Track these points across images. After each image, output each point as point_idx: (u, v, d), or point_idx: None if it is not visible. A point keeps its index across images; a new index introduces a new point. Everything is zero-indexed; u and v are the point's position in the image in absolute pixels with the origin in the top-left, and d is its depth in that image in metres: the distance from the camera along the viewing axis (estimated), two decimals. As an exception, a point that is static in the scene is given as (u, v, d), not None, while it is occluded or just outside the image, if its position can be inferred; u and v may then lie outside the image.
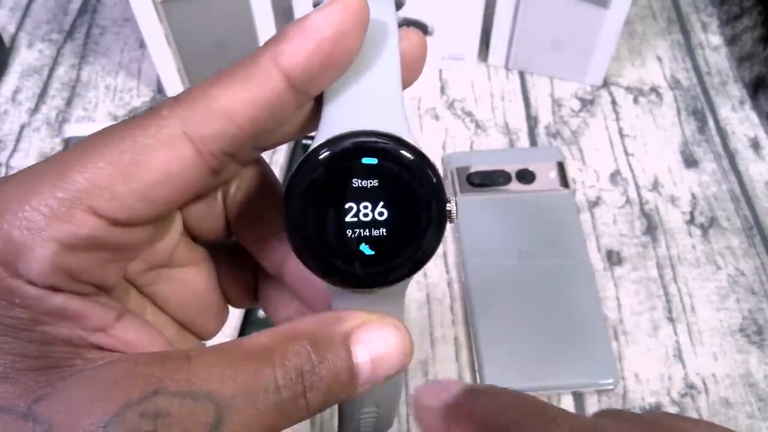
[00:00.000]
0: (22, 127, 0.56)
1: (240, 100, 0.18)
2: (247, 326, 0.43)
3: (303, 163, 0.19)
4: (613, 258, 0.49)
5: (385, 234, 0.19)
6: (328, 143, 0.19)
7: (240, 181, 0.22)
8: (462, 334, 0.46)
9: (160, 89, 0.58)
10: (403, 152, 0.19)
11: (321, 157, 0.19)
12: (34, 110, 0.58)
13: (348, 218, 0.19)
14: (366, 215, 0.19)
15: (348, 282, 0.20)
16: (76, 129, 0.54)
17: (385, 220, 0.19)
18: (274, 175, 0.23)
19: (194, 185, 0.18)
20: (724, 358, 0.45)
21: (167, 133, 0.17)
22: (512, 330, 0.44)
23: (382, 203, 0.19)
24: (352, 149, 0.19)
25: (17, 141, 0.56)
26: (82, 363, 0.17)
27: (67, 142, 0.53)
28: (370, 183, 0.19)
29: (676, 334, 0.46)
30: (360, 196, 0.19)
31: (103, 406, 0.16)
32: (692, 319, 0.46)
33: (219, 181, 0.19)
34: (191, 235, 0.23)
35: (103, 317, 0.18)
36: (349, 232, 0.19)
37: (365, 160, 0.19)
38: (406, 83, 0.20)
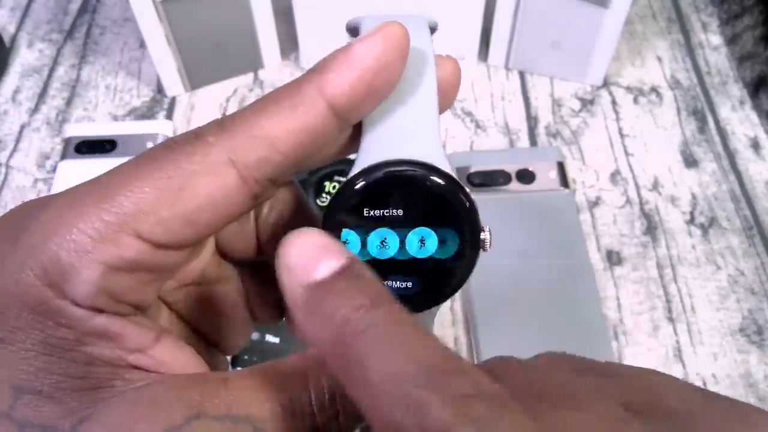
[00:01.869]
0: (22, 127, 0.56)
1: (285, 128, 0.18)
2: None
3: (340, 190, 0.19)
4: (613, 258, 0.49)
5: (413, 261, 0.19)
6: (363, 173, 0.19)
7: (273, 202, 0.23)
8: (462, 334, 0.46)
9: (160, 89, 0.58)
10: (436, 180, 0.19)
11: (357, 186, 0.19)
12: (34, 110, 0.58)
13: (381, 246, 0.19)
14: (399, 243, 0.19)
15: None
16: (76, 129, 0.54)
17: (418, 248, 0.19)
18: (305, 197, 0.24)
19: (236, 210, 0.19)
20: (724, 358, 0.45)
21: (213, 160, 0.18)
22: (512, 330, 0.44)
23: (414, 231, 0.19)
24: (384, 179, 0.19)
25: (17, 141, 0.56)
26: (122, 384, 0.18)
27: (67, 142, 0.53)
28: (404, 211, 0.19)
29: (676, 334, 0.46)
30: (394, 223, 0.19)
31: (146, 429, 0.17)
32: (692, 319, 0.46)
33: (257, 203, 0.20)
34: (222, 253, 0.23)
35: (141, 338, 0.19)
36: (382, 260, 0.19)
37: (399, 189, 0.19)
38: (442, 109, 0.21)
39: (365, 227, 0.19)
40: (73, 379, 0.17)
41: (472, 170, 0.51)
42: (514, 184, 0.50)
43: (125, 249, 0.17)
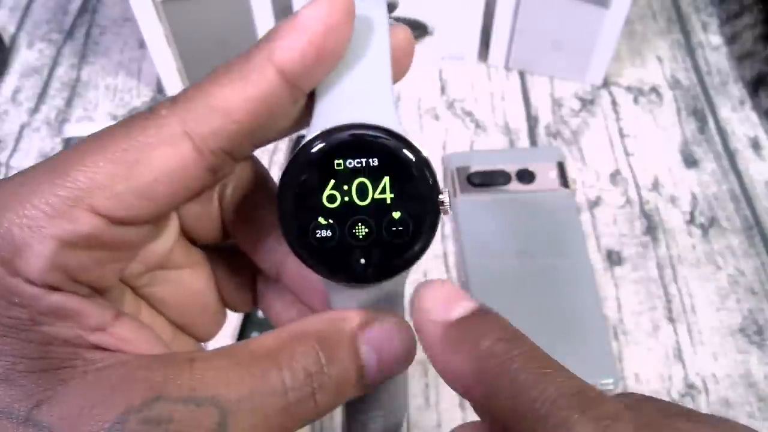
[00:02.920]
0: (22, 127, 0.56)
1: (237, 97, 0.18)
2: (247, 326, 0.43)
3: (294, 157, 0.19)
4: (613, 258, 0.49)
5: (379, 226, 0.19)
6: (319, 137, 0.19)
7: (235, 182, 0.22)
8: (462, 334, 0.46)
9: (160, 89, 0.58)
10: (393, 144, 0.19)
11: (313, 150, 0.19)
12: (34, 110, 0.58)
13: (341, 211, 0.19)
14: (359, 207, 0.19)
15: (346, 277, 0.20)
16: (76, 129, 0.54)
17: (379, 211, 0.19)
18: (269, 176, 0.23)
19: (193, 183, 0.18)
20: (724, 358, 0.45)
21: (167, 131, 0.18)
22: (512, 330, 0.44)
23: (374, 194, 0.19)
24: (343, 141, 0.19)
25: (17, 141, 0.56)
26: (82, 363, 0.17)
27: (67, 142, 0.53)
28: (362, 175, 0.19)
29: (676, 334, 0.46)
30: (352, 189, 0.19)
31: (104, 412, 0.16)
32: (692, 319, 0.46)
33: (215, 179, 0.19)
34: (188, 237, 0.23)
35: (101, 316, 0.18)
36: (343, 226, 0.19)
37: (356, 153, 0.19)
38: (396, 77, 0.20)
39: (322, 194, 0.19)
40: (29, 360, 0.17)
41: (472, 170, 0.51)
42: (514, 184, 0.50)
43: (80, 224, 0.17)
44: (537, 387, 0.14)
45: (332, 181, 0.19)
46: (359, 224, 0.19)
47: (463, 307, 0.16)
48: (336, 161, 0.19)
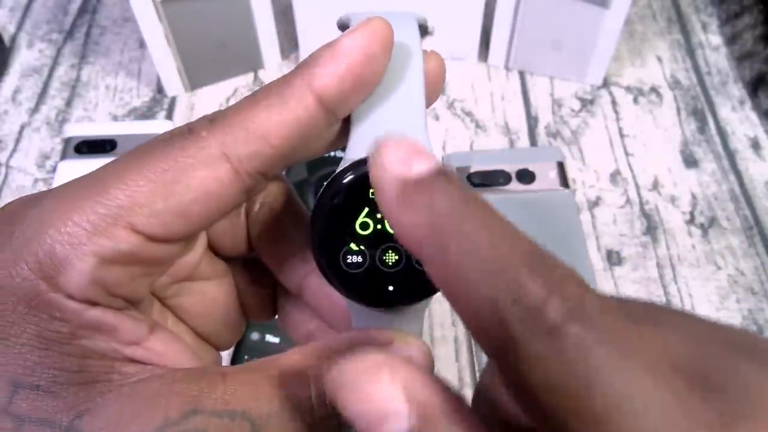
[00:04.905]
0: (22, 127, 0.56)
1: (275, 121, 0.18)
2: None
3: (329, 185, 0.19)
4: (613, 258, 0.49)
5: (408, 254, 0.19)
6: (353, 166, 0.19)
7: (263, 199, 0.23)
8: (462, 334, 0.46)
9: (160, 89, 0.58)
10: None
11: (345, 180, 0.19)
12: (34, 110, 0.58)
13: (372, 239, 0.19)
14: (390, 235, 0.19)
15: (373, 301, 0.20)
16: (76, 129, 0.54)
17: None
18: (295, 194, 0.24)
19: (228, 203, 0.19)
20: (724, 358, 0.45)
21: (206, 153, 0.18)
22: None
23: None
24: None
25: (17, 141, 0.56)
26: (119, 377, 0.18)
27: (67, 142, 0.53)
28: None
29: (676, 334, 0.46)
30: (382, 216, 0.19)
31: (142, 425, 0.17)
32: (692, 319, 0.46)
33: (248, 197, 0.20)
34: (214, 250, 0.23)
35: (136, 330, 0.19)
36: (373, 253, 0.20)
37: None
38: (428, 103, 0.21)
39: (354, 220, 0.19)
40: (69, 373, 0.17)
41: (472, 170, 0.51)
42: (514, 184, 0.50)
43: (119, 241, 0.17)
44: (488, 247, 0.14)
45: (366, 209, 0.19)
46: (389, 252, 0.20)
47: (422, 164, 0.16)
48: (365, 191, 0.19)
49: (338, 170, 0.19)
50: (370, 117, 0.20)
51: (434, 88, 0.21)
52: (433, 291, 0.20)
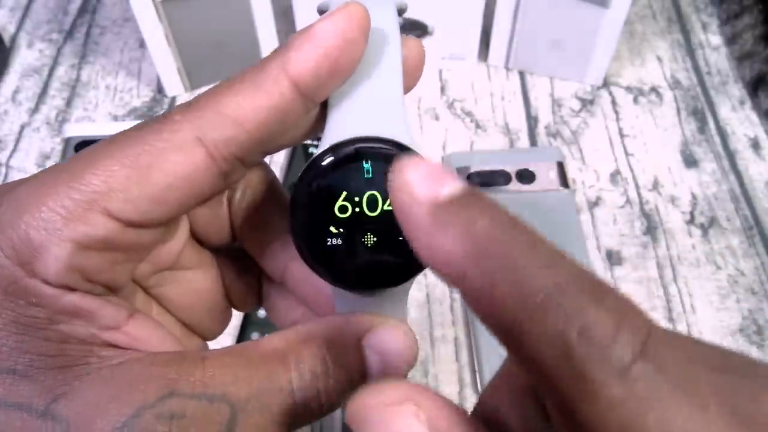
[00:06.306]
0: (22, 127, 0.56)
1: (250, 106, 0.18)
2: (248, 326, 0.43)
3: (307, 169, 0.19)
4: (613, 258, 0.49)
5: (387, 236, 0.19)
6: (331, 149, 0.19)
7: (245, 187, 0.23)
8: (462, 334, 0.46)
9: (160, 89, 0.58)
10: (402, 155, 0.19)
11: (324, 163, 0.19)
12: (34, 110, 0.58)
13: (352, 222, 0.19)
14: (369, 218, 0.19)
15: (353, 284, 0.20)
16: (76, 129, 0.54)
17: (387, 222, 0.19)
18: (278, 182, 0.24)
19: (205, 188, 0.19)
20: (724, 358, 0.45)
21: (181, 137, 0.18)
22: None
23: (384, 206, 0.19)
24: (353, 155, 0.19)
25: (17, 141, 0.56)
26: (97, 361, 0.18)
27: (67, 142, 0.53)
28: (372, 187, 0.19)
29: (676, 334, 0.46)
30: (363, 199, 0.19)
31: (119, 407, 0.17)
32: (692, 319, 0.46)
33: (226, 184, 0.20)
34: (198, 239, 0.23)
35: (115, 315, 0.19)
36: (353, 236, 0.19)
37: (366, 165, 0.19)
38: (406, 89, 0.21)
39: (333, 204, 0.19)
40: (47, 357, 0.17)
41: (472, 170, 0.51)
42: (514, 184, 0.50)
43: (95, 227, 0.17)
44: (545, 274, 0.13)
45: (344, 193, 0.19)
46: (368, 234, 0.19)
47: (451, 186, 0.14)
48: (345, 175, 0.19)
49: (315, 154, 0.19)
50: (348, 102, 0.20)
51: (413, 74, 0.21)
52: (412, 273, 0.20)
